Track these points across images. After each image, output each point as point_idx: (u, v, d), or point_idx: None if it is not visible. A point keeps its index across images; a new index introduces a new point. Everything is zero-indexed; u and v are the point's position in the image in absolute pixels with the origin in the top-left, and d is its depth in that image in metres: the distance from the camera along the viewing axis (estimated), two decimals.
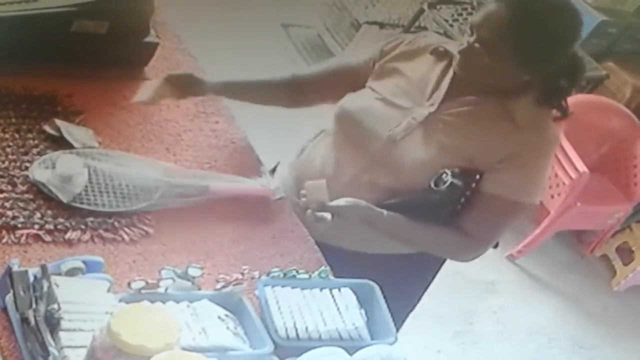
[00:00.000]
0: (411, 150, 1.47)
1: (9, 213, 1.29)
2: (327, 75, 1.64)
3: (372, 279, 1.39)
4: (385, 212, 1.47)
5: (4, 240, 1.25)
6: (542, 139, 1.47)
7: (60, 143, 1.46)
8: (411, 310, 1.75)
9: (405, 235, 1.51)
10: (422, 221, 1.48)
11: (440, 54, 1.52)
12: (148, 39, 1.71)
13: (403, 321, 1.72)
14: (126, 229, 1.35)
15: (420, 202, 1.46)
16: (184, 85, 1.56)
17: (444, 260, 1.68)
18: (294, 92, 1.65)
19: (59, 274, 1.15)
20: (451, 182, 1.42)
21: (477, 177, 1.44)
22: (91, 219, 1.34)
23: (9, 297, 1.12)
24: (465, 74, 1.46)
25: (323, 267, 1.39)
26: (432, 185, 1.44)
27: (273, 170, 1.67)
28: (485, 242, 1.51)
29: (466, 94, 1.47)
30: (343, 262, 1.44)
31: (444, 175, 1.43)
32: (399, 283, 1.58)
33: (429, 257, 1.60)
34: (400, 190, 1.48)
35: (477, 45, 1.40)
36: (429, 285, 1.73)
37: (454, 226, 1.48)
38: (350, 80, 1.58)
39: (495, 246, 1.59)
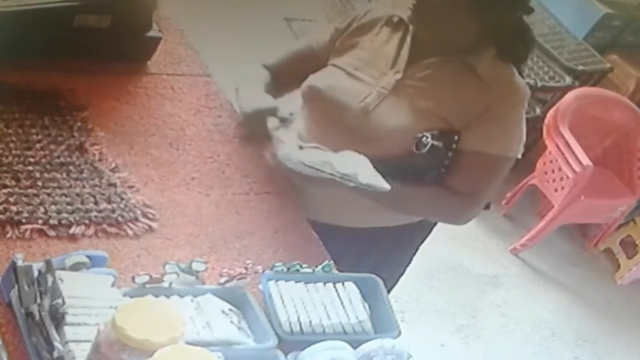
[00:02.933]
0: (386, 118, 1.49)
1: (13, 208, 1.29)
2: (290, 60, 1.66)
3: (361, 251, 1.43)
4: None
5: (8, 235, 1.25)
6: (509, 90, 1.50)
7: (65, 137, 1.46)
8: (397, 281, 1.78)
9: (398, 201, 1.52)
10: (411, 186, 1.50)
11: (396, 24, 1.55)
12: (151, 33, 1.71)
13: (389, 290, 1.75)
14: (130, 224, 1.36)
15: (406, 168, 1.48)
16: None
17: (430, 231, 1.71)
18: (273, 84, 1.66)
19: (64, 269, 1.15)
20: (431, 144, 1.45)
21: (456, 137, 1.47)
22: (95, 213, 1.34)
23: (14, 292, 1.12)
24: (419, 23, 1.47)
25: (327, 261, 1.39)
26: (414, 149, 1.46)
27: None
28: (474, 200, 1.52)
29: (428, 57, 1.50)
30: (330, 238, 1.46)
31: (424, 138, 1.46)
32: (386, 252, 1.64)
33: (415, 228, 1.63)
34: (384, 159, 1.49)
35: None
36: (414, 255, 1.77)
37: (442, 188, 1.51)
38: (311, 62, 1.60)
39: (487, 207, 1.62)
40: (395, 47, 1.53)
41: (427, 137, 1.45)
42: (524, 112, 1.53)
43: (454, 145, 1.48)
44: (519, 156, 1.54)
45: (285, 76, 1.65)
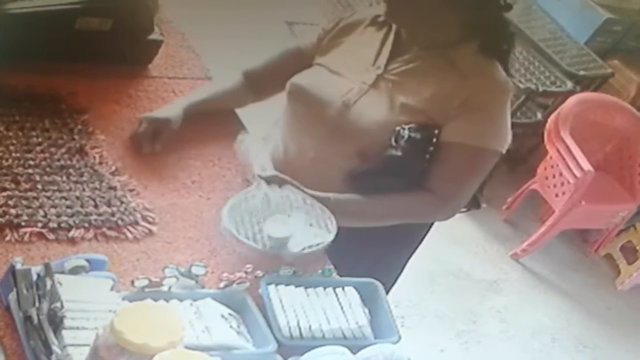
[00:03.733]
0: (366, 112, 1.49)
1: (13, 211, 1.29)
2: (277, 62, 1.67)
3: (359, 251, 1.42)
4: (343, 196, 1.47)
5: (7, 239, 1.25)
6: (489, 83, 1.49)
7: (65, 140, 1.46)
8: (397, 278, 1.77)
9: (371, 212, 1.51)
10: (388, 191, 1.49)
11: (380, 23, 1.57)
12: (152, 36, 1.71)
13: (388, 291, 1.74)
14: (130, 227, 1.35)
15: (388, 164, 1.47)
16: (153, 135, 1.53)
17: (427, 231, 1.69)
18: (253, 87, 1.68)
19: (63, 272, 1.15)
20: (409, 136, 1.45)
21: (436, 131, 1.46)
22: (94, 217, 1.34)
23: (12, 296, 1.12)
24: (395, 17, 1.50)
25: (327, 266, 1.38)
26: (393, 142, 1.46)
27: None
28: (451, 194, 1.50)
29: (409, 52, 1.52)
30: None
31: (401, 130, 1.45)
32: (384, 252, 1.63)
33: (411, 227, 1.61)
34: (367, 154, 1.49)
35: None
36: (413, 252, 1.75)
37: (420, 186, 1.49)
38: (300, 63, 1.61)
39: (478, 207, 1.61)
40: (379, 44, 1.55)
41: (403, 129, 1.45)
42: (506, 107, 1.51)
43: (434, 140, 1.46)
44: (503, 151, 1.51)
45: (270, 78, 1.66)
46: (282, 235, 1.34)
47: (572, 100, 3.06)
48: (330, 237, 1.36)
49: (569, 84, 3.23)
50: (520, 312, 2.91)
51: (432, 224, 1.69)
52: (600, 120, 3.17)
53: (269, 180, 1.43)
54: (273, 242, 1.34)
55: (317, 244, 1.35)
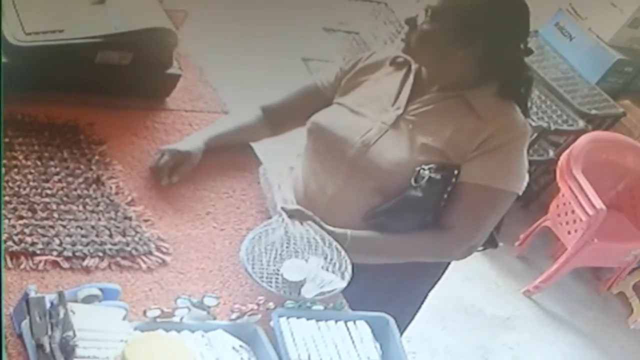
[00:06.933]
0: (386, 152, 1.51)
1: (28, 239, 1.30)
2: (294, 99, 1.69)
3: (378, 286, 1.43)
4: (360, 232, 1.49)
5: (22, 266, 1.26)
6: (507, 125, 1.50)
7: (82, 170, 1.48)
8: (414, 315, 1.77)
9: (387, 249, 1.52)
10: (405, 228, 1.50)
11: (399, 64, 1.60)
12: (171, 70, 1.74)
13: (405, 327, 1.74)
14: (143, 257, 1.36)
15: (407, 203, 1.48)
16: (173, 167, 1.54)
17: (447, 265, 1.69)
18: (270, 122, 1.70)
19: (76, 301, 1.16)
20: (429, 177, 1.46)
21: (456, 172, 1.48)
22: (109, 246, 1.35)
23: (25, 323, 1.12)
24: (412, 55, 1.53)
25: (339, 299, 1.38)
26: (413, 182, 1.47)
27: None
28: (468, 234, 1.51)
29: (428, 93, 1.54)
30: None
31: (422, 171, 1.47)
32: (402, 288, 1.63)
33: (422, 265, 1.61)
34: (386, 193, 1.51)
35: (427, 14, 1.48)
36: (433, 286, 1.75)
37: (437, 225, 1.50)
38: (317, 100, 1.64)
39: (495, 246, 1.62)
40: (398, 85, 1.57)
41: (424, 170, 1.47)
42: (523, 150, 1.53)
43: (453, 180, 1.48)
44: (519, 193, 1.52)
45: (288, 115, 1.69)
46: (297, 280, 1.35)
47: (584, 138, 3.07)
48: (343, 285, 1.36)
49: (581, 123, 3.24)
50: (532, 349, 2.87)
51: (449, 262, 1.69)
52: (612, 159, 3.16)
53: (291, 214, 1.44)
54: (287, 286, 1.34)
55: (330, 291, 1.35)
